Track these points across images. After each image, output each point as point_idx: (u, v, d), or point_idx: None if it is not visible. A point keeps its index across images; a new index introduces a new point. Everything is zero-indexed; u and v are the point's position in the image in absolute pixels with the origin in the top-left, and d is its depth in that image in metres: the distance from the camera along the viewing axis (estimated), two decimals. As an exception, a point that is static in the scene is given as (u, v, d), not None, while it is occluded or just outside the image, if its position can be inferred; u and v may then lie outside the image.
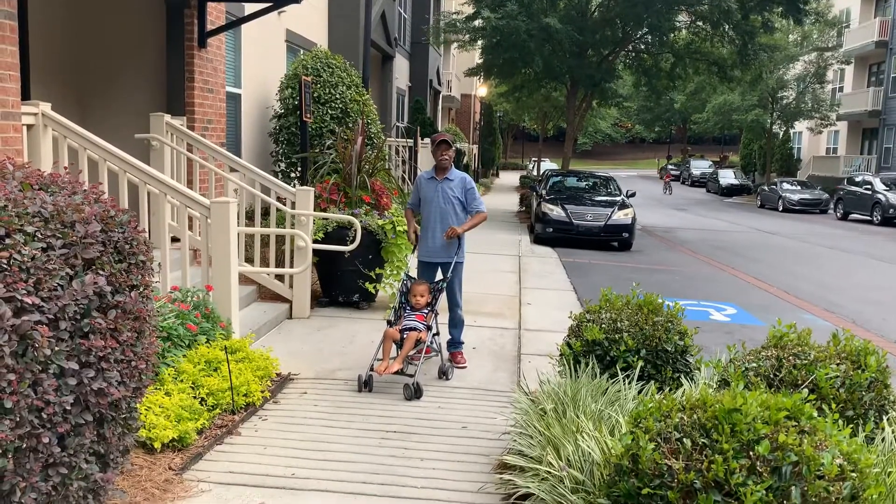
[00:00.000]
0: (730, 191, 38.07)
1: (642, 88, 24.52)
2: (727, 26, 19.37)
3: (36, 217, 2.25)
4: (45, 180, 2.62)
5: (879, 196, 23.57)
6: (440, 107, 31.99)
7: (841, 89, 36.49)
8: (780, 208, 28.79)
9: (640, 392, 3.60)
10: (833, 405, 2.86)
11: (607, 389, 3.49)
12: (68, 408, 2.29)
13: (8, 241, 2.07)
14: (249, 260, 7.00)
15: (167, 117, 7.02)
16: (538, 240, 14.98)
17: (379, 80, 19.24)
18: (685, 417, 2.15)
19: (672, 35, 20.69)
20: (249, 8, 8.82)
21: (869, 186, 24.39)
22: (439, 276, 5.76)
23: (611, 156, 73.85)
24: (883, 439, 2.91)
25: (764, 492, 1.92)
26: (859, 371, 2.96)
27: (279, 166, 10.42)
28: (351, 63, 11.24)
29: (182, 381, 4.21)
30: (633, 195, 16.60)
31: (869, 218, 23.98)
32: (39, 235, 2.22)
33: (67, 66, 7.47)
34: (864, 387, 2.94)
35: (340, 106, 10.31)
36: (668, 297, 9.30)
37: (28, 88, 6.44)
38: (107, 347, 2.46)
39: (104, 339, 2.44)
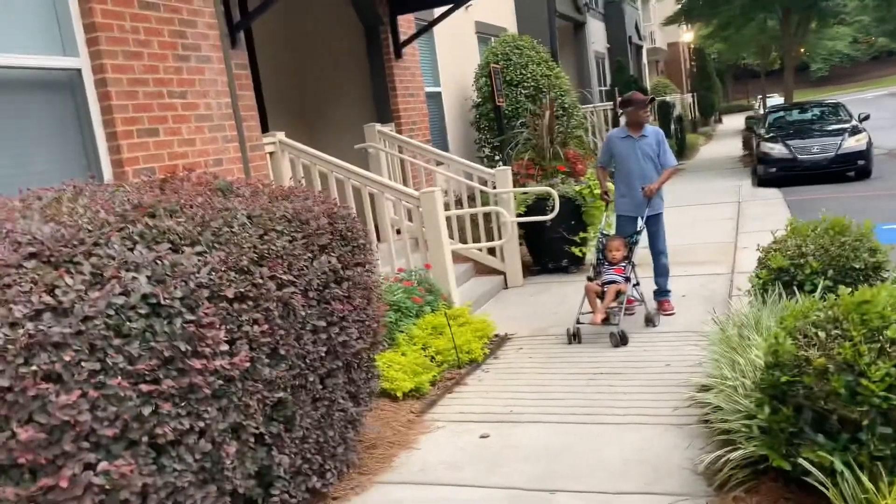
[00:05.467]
0: None
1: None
2: None
3: (282, 219, 3.05)
4: (284, 192, 3.45)
5: None
6: (644, 61, 31.02)
7: None
8: None
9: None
10: None
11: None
12: (323, 355, 3.09)
13: (266, 237, 2.88)
14: (463, 241, 7.74)
15: (378, 126, 8.01)
16: (762, 182, 14.24)
17: (573, 49, 19.35)
18: (821, 315, 2.37)
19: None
20: (437, 11, 9.62)
21: None
22: (638, 227, 6.00)
23: (853, 77, 65.75)
24: None
25: (893, 368, 2.12)
26: None
27: (483, 152, 11.15)
28: (539, 40, 11.64)
29: (414, 343, 5.01)
30: (866, 118, 15.12)
31: None
32: (286, 232, 3.01)
33: (292, 94, 8.79)
34: None
35: (532, 84, 10.78)
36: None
37: (266, 121, 7.75)
38: (344, 310, 3.22)
39: (342, 304, 3.20)
